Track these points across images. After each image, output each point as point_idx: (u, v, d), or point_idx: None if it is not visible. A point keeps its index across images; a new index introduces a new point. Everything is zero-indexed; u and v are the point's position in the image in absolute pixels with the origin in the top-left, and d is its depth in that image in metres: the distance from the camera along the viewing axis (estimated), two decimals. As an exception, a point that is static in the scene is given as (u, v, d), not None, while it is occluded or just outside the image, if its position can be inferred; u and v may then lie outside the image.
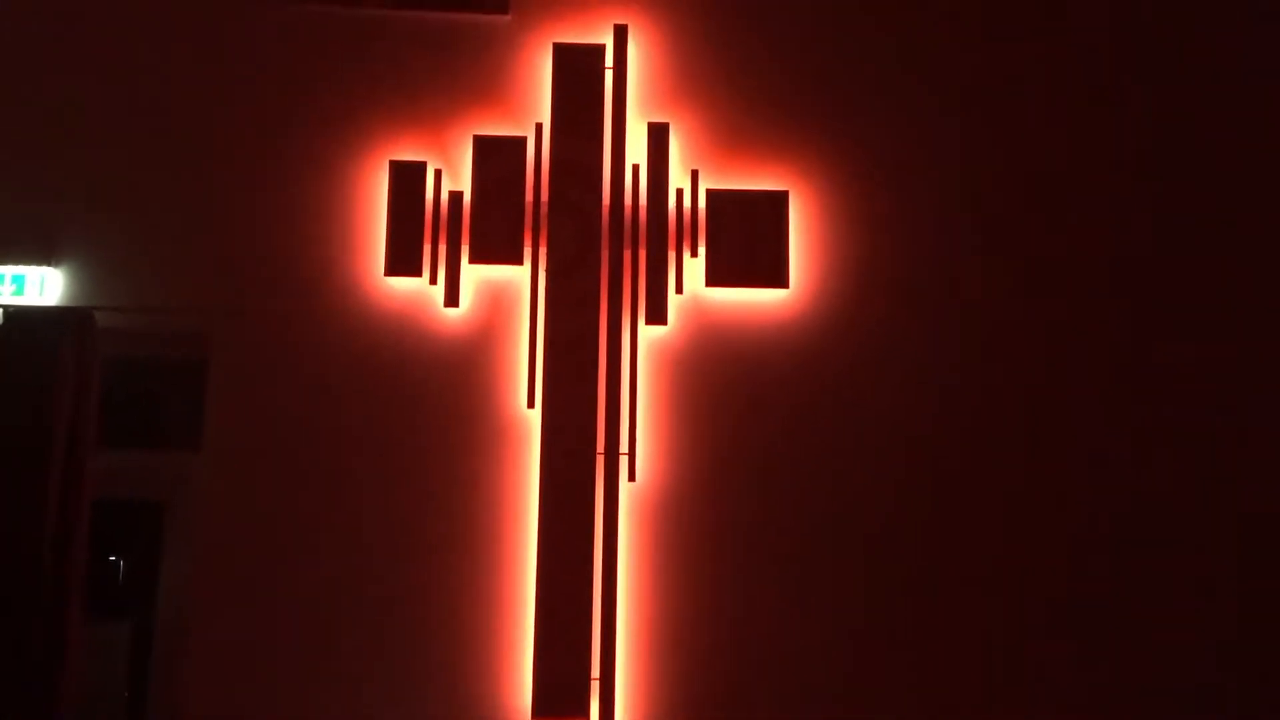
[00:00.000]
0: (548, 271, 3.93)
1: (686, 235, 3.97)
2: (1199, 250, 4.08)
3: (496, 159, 3.97)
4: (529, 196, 3.97)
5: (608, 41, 4.07)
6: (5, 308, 3.82)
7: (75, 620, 3.61)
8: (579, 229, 3.96)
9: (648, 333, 3.95)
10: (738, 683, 3.77)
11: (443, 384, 3.89)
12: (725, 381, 3.93)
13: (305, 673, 3.73)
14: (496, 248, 3.94)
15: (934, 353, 3.99)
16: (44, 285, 3.91)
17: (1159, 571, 3.89)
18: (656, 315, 3.92)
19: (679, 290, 3.95)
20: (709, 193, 4.00)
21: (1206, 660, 3.83)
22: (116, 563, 3.97)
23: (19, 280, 3.89)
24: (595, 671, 3.71)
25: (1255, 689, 3.82)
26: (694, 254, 3.97)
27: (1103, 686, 3.81)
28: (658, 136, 4.01)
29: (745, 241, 3.96)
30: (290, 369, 3.89)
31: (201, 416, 3.87)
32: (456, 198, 3.97)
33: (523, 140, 3.99)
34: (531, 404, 3.85)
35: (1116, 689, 3.81)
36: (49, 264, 3.91)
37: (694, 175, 4.01)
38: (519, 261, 3.94)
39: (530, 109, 4.04)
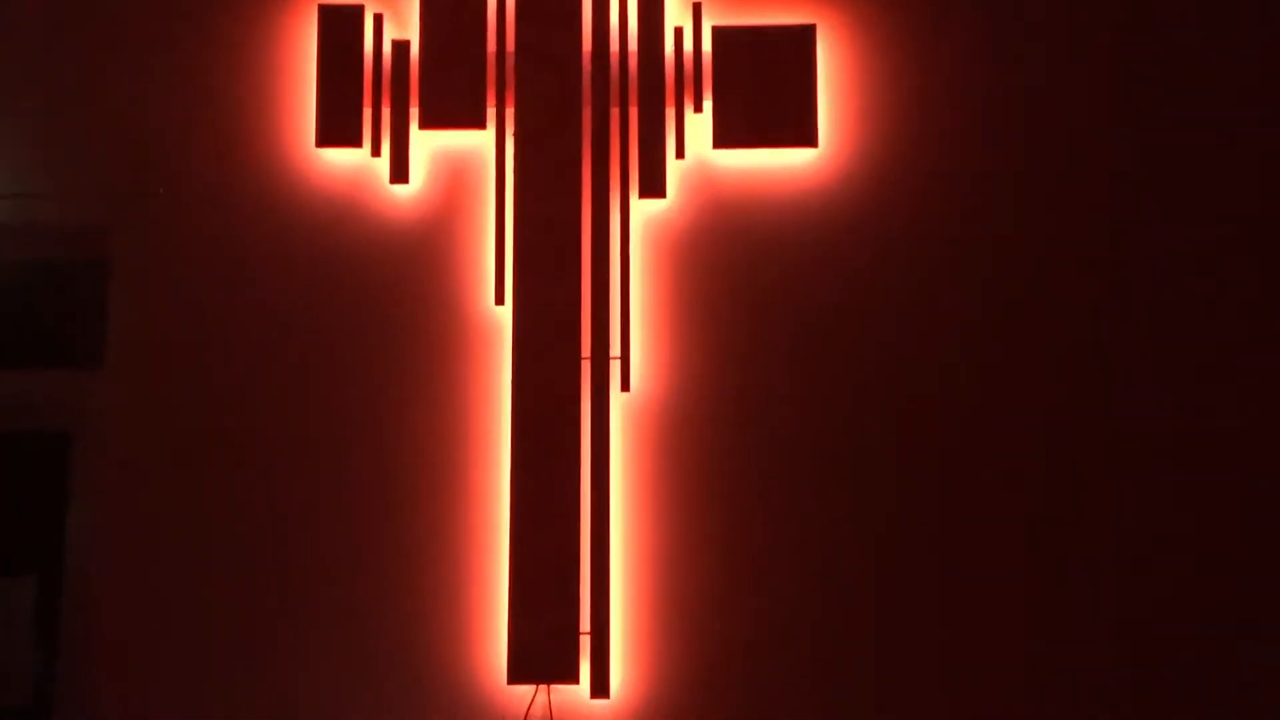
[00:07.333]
0: (517, 137, 3.50)
1: (688, 86, 3.49)
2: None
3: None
4: (491, 45, 3.51)
5: None
6: None
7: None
8: (554, 83, 3.51)
9: (642, 208, 3.49)
10: (755, 630, 3.35)
11: (392, 277, 3.48)
12: (738, 266, 3.48)
13: (238, 625, 3.36)
14: (453, 110, 3.52)
15: (991, 221, 3.47)
16: (-88, 173, 3.51)
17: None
18: (652, 186, 3.47)
19: (680, 155, 3.48)
20: (715, 31, 3.49)
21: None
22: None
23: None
24: (585, 625, 3.31)
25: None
26: (698, 109, 3.48)
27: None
28: (649, -38, 3.52)
29: (762, 91, 3.48)
30: (208, 264, 3.50)
31: (105, 326, 3.48)
32: (402, 49, 3.51)
33: (482, -27, 3.54)
34: (500, 300, 3.44)
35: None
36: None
37: (696, 9, 3.49)
38: (481, 125, 3.51)
39: (490, -66, 3.55)
